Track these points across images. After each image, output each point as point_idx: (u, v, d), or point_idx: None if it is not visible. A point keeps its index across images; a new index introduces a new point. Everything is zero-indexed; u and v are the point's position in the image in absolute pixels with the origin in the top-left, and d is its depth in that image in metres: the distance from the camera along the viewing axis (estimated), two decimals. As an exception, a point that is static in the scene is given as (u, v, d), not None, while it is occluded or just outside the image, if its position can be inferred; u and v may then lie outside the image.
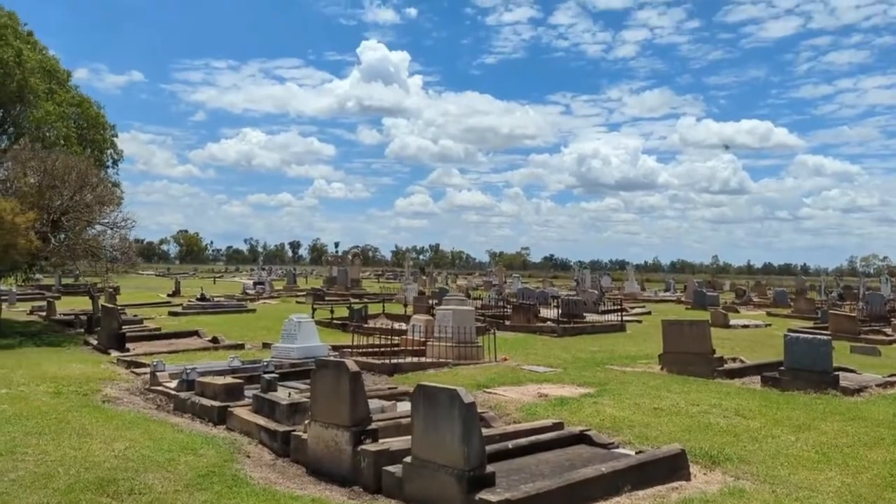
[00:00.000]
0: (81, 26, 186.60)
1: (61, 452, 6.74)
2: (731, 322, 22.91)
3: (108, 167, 22.09)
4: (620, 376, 11.97)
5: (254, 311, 26.61)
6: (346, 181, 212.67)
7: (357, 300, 31.65)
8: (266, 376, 8.31)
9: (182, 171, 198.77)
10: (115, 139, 22.69)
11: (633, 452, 7.12)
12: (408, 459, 5.89)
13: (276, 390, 8.27)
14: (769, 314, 29.41)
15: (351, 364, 6.71)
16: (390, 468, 6.09)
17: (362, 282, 49.73)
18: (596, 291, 29.65)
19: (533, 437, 7.15)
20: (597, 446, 7.31)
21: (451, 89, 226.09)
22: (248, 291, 37.80)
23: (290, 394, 8.12)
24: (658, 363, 13.28)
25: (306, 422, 7.31)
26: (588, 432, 7.56)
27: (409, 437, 7.48)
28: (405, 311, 23.08)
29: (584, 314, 22.37)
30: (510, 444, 6.94)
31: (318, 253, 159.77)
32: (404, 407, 9.11)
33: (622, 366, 13.48)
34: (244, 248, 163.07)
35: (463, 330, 14.02)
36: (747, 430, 8.09)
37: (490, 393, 10.66)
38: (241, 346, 15.93)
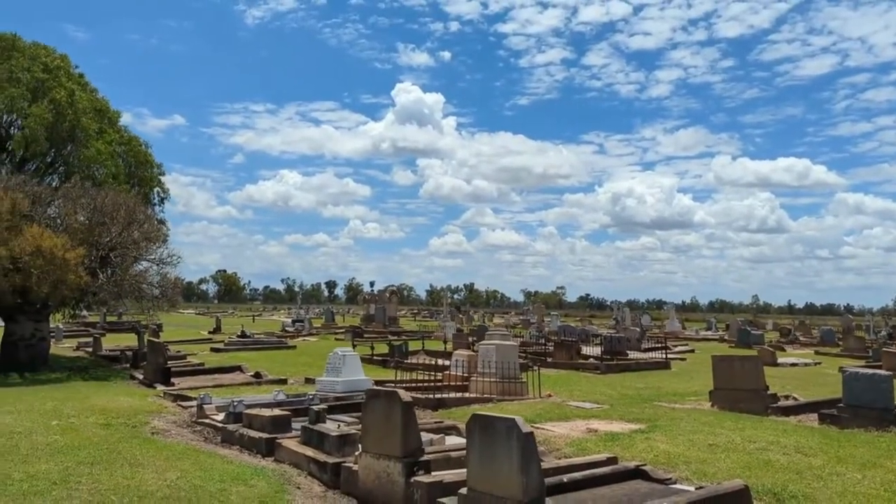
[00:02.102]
0: (126, 72, 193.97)
1: (114, 482, 6.75)
2: (779, 360, 22.22)
3: (154, 205, 22.68)
4: (670, 413, 11.64)
5: (294, 347, 26.74)
6: (381, 221, 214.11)
7: (395, 337, 31.61)
8: (314, 408, 8.27)
9: (221, 213, 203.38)
10: (161, 177, 23.33)
11: (692, 488, 6.87)
12: (463, 491, 5.75)
13: (324, 422, 8.21)
14: (817, 353, 28.48)
15: (403, 394, 6.64)
16: (444, 500, 5.95)
17: (399, 320, 49.79)
18: (638, 329, 29.12)
19: (587, 472, 6.94)
20: (654, 481, 7.06)
21: (484, 130, 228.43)
22: (287, 329, 38.05)
23: (339, 425, 8.06)
24: (708, 400, 12.93)
25: (357, 453, 7.23)
26: (644, 467, 7.32)
27: (461, 469, 7.34)
28: (445, 348, 22.93)
29: (627, 352, 21.93)
30: (565, 477, 6.74)
31: (353, 292, 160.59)
32: (452, 440, 8.97)
33: (670, 402, 13.14)
34: (281, 287, 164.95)
35: (506, 365, 13.84)
36: (810, 468, 7.75)
37: (538, 428, 10.43)
38: (283, 381, 15.96)
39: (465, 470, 7.25)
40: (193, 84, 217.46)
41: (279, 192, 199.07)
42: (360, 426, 9.41)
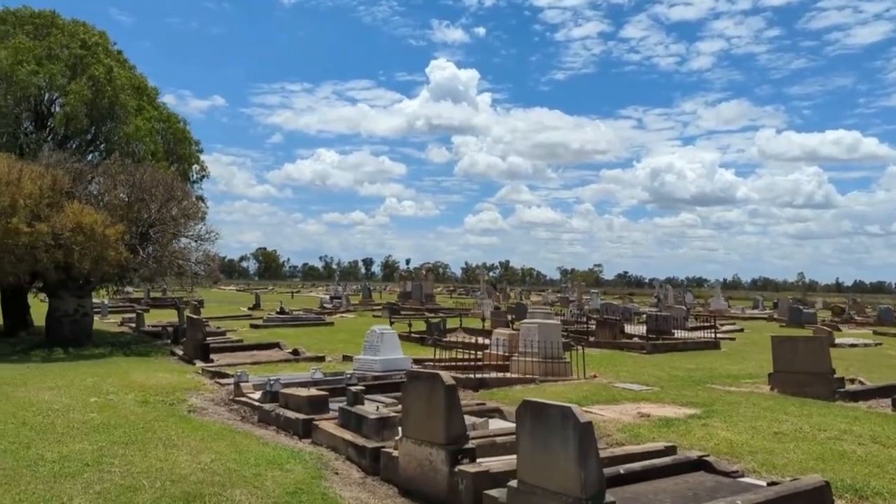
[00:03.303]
0: (168, 54, 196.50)
1: (147, 464, 6.50)
2: (837, 341, 21.21)
3: (193, 182, 22.60)
4: (726, 396, 11.02)
5: (332, 324, 26.64)
6: (417, 199, 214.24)
7: (432, 314, 31.33)
8: (352, 389, 7.91)
9: (261, 191, 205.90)
10: (199, 154, 23.24)
11: (763, 483, 6.31)
12: (513, 483, 5.31)
13: (362, 403, 7.85)
14: (875, 333, 27.24)
15: (446, 376, 6.21)
16: (492, 492, 5.52)
17: (435, 297, 49.53)
18: (683, 308, 28.25)
19: (646, 462, 6.43)
20: (718, 474, 6.52)
21: (519, 106, 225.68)
22: (325, 305, 38.12)
23: (377, 407, 7.70)
24: (766, 383, 12.26)
25: (397, 438, 6.85)
26: (706, 458, 6.77)
27: (508, 457, 6.91)
28: (483, 326, 22.53)
29: (673, 331, 21.19)
30: (621, 469, 6.25)
31: (389, 269, 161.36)
32: (496, 425, 8.55)
33: (725, 385, 12.49)
34: (319, 265, 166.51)
35: (549, 345, 13.33)
36: (891, 461, 7.10)
37: (586, 412, 9.92)
38: (321, 359, 15.75)
39: (512, 458, 6.82)
40: (232, 65, 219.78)
41: (317, 171, 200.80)
42: (399, 408, 9.05)
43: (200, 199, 21.73)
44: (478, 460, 6.23)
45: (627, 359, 16.46)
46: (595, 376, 13.34)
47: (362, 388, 8.04)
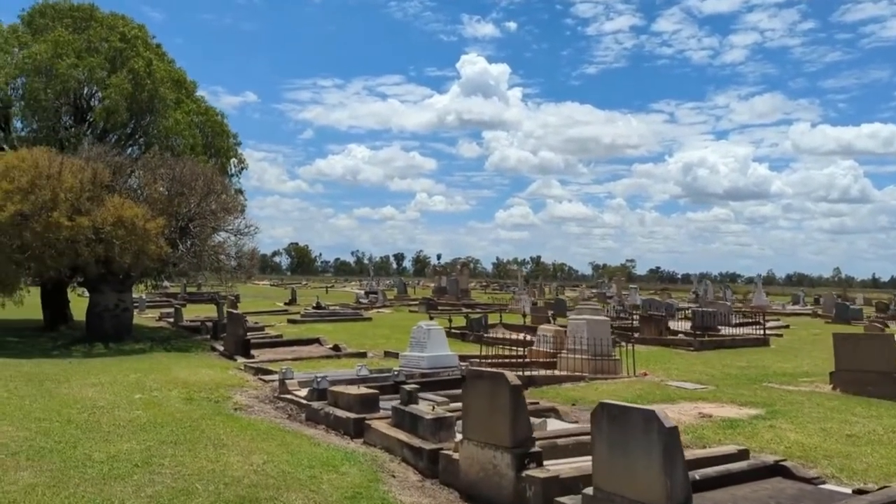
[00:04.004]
0: (201, 51, 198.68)
1: (198, 465, 6.28)
2: (891, 337, 20.33)
3: (231, 175, 22.56)
4: (786, 396, 10.51)
5: (369, 319, 26.47)
6: (447, 194, 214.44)
7: (469, 310, 31.01)
8: (406, 388, 7.62)
9: (292, 187, 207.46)
10: (237, 147, 23.19)
11: (847, 490, 5.87)
12: (588, 491, 4.95)
13: (416, 403, 7.55)
14: (927, 329, 26.16)
15: (511, 376, 5.87)
16: (564, 500, 5.17)
17: (470, 292, 49.18)
18: (727, 303, 27.51)
19: (721, 468, 6.02)
20: (798, 480, 6.09)
21: (550, 100, 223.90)
22: (360, 301, 38.03)
23: (433, 407, 7.38)
24: (826, 382, 11.71)
25: (456, 440, 6.54)
26: (784, 463, 6.34)
27: (573, 460, 6.56)
28: (524, 322, 22.12)
29: (718, 327, 20.57)
30: (696, 474, 5.84)
31: (420, 264, 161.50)
32: (554, 425, 8.18)
33: (782, 384, 11.95)
34: (351, 259, 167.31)
35: (598, 342, 12.91)
36: None
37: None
38: (363, 355, 15.52)
39: (579, 462, 6.46)
40: (264, 61, 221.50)
41: (348, 167, 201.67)
42: (451, 406, 8.74)
43: (239, 192, 21.70)
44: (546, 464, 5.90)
45: (675, 356, 15.95)
46: (645, 374, 12.90)
47: (416, 386, 7.75)
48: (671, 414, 9.31)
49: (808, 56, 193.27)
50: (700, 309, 21.23)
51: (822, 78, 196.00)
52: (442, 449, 6.58)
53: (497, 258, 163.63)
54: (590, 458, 6.74)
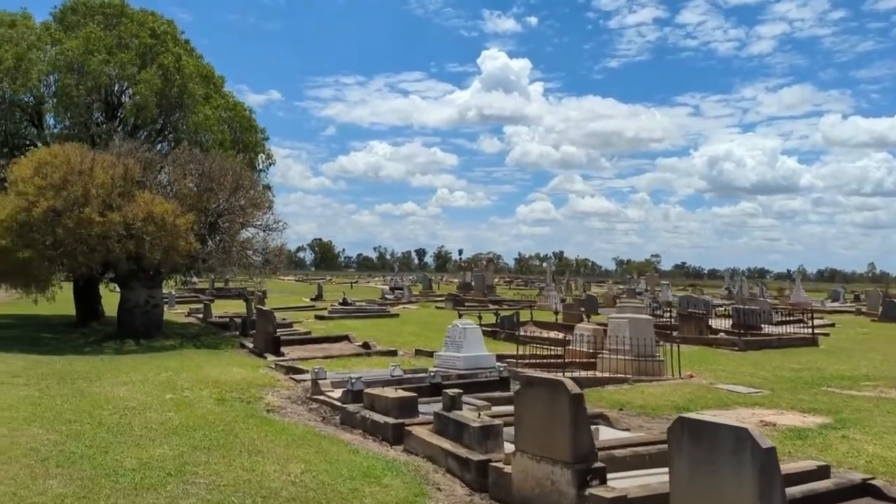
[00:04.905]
0: (226, 50, 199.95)
1: (233, 474, 5.92)
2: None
3: (260, 171, 22.34)
4: (850, 402, 9.88)
5: (397, 315, 26.11)
6: (468, 189, 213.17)
7: (496, 306, 30.50)
8: (448, 392, 7.18)
9: (315, 183, 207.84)
10: (265, 143, 22.97)
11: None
12: (664, 515, 4.48)
13: (460, 408, 7.12)
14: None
15: (570, 384, 5.40)
16: (635, 523, 4.70)
17: (495, 287, 48.64)
18: (767, 300, 26.66)
19: (805, 487, 5.49)
20: (891, 501, 5.54)
21: (572, 95, 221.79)
22: (386, 297, 37.73)
23: (479, 413, 6.94)
24: (892, 386, 11.03)
25: (505, 450, 6.10)
26: (872, 481, 5.79)
27: (633, 474, 6.09)
28: (556, 319, 21.60)
29: (760, 325, 19.85)
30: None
31: (442, 260, 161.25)
32: (607, 434, 7.69)
33: (842, 388, 11.27)
34: (373, 255, 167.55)
35: (641, 342, 12.36)
36: None
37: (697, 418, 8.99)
38: (393, 353, 15.15)
39: (642, 477, 6.00)
40: (288, 59, 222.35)
41: (369, 163, 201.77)
42: (495, 411, 8.29)
43: (267, 188, 21.46)
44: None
45: (720, 356, 15.32)
46: (692, 376, 12.32)
47: (459, 391, 7.31)
48: (729, 421, 8.78)
49: (839, 46, 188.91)
50: (741, 306, 20.49)
51: (853, 68, 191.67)
52: (491, 460, 6.14)
53: (519, 253, 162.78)
54: (653, 472, 6.29)
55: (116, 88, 19.99)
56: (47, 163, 15.53)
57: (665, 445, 6.86)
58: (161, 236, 15.34)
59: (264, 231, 18.57)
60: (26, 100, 19.40)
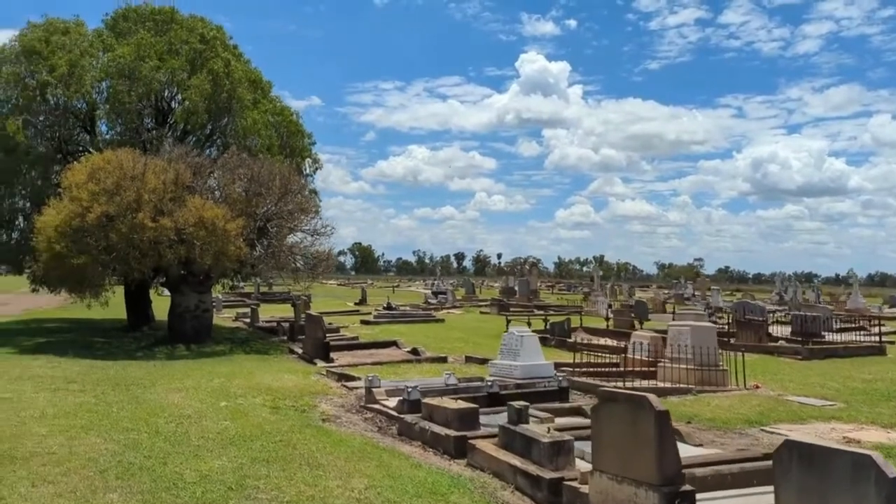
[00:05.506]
0: (268, 58, 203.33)
1: (295, 490, 5.70)
2: None
3: (306, 176, 22.34)
4: (937, 417, 9.25)
5: (442, 320, 25.85)
6: (507, 193, 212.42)
7: (542, 311, 29.97)
8: (515, 405, 6.87)
9: (355, 188, 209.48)
10: (312, 147, 22.97)
11: None
12: (767, 547, 4.09)
13: (527, 422, 6.80)
14: None
15: (655, 400, 5.04)
16: (733, 554, 4.32)
17: (538, 292, 48.07)
18: (827, 307, 25.65)
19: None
20: None
21: (611, 97, 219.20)
22: (429, 301, 37.53)
23: (549, 428, 6.61)
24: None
25: (577, 467, 5.76)
26: None
27: (717, 495, 5.70)
28: (606, 325, 21.06)
29: (822, 333, 18.99)
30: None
31: (481, 264, 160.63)
32: (682, 451, 7.26)
33: (924, 402, 10.61)
34: (412, 259, 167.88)
35: (704, 350, 11.84)
36: None
37: (772, 433, 8.51)
38: (443, 359, 14.90)
39: (728, 499, 5.61)
40: (328, 66, 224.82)
41: (408, 167, 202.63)
42: (558, 423, 7.95)
43: (314, 192, 21.44)
44: (688, 503, 5.04)
45: (783, 365, 14.66)
46: (757, 386, 11.77)
47: (525, 403, 6.98)
48: (806, 436, 8.26)
49: (889, 44, 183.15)
50: (802, 313, 19.66)
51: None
52: (564, 478, 5.81)
53: (559, 257, 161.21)
54: (738, 494, 5.87)
55: (167, 94, 20.18)
56: (100, 168, 15.71)
57: (748, 465, 6.46)
58: (211, 241, 15.35)
59: (312, 235, 18.52)
60: (79, 106, 19.70)
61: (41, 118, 19.49)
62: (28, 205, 20.40)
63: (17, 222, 20.98)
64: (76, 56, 18.70)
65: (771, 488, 5.76)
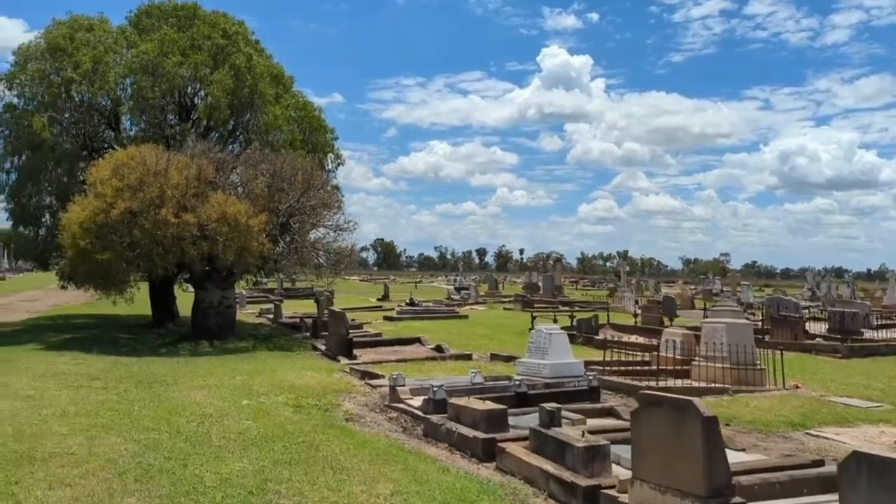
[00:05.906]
0: (290, 56, 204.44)
1: (319, 495, 5.46)
2: None
3: (329, 171, 22.17)
4: None
5: (465, 317, 25.55)
6: (529, 188, 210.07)
7: (567, 307, 29.52)
8: (546, 407, 6.55)
9: (377, 184, 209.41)
10: (334, 143, 22.79)
11: None
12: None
13: (559, 425, 6.48)
14: None
15: (701, 405, 4.70)
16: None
17: (563, 288, 47.54)
18: (866, 303, 24.91)
19: None
20: None
21: (634, 90, 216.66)
22: (452, 297, 37.25)
23: (583, 432, 6.29)
24: None
25: (621, 476, 5.43)
26: None
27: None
28: (635, 322, 20.62)
29: (860, 330, 18.38)
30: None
31: (503, 259, 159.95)
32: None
33: (975, 404, 10.08)
34: (434, 255, 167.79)
35: (740, 348, 11.41)
36: None
37: (817, 437, 8.10)
38: (468, 357, 14.61)
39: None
40: (349, 63, 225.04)
41: (430, 163, 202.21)
42: (590, 425, 7.63)
43: (337, 188, 21.26)
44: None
45: (822, 364, 14.14)
46: (797, 386, 11.31)
47: (558, 406, 6.66)
48: (854, 441, 7.84)
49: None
50: (840, 309, 19.04)
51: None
52: (601, 486, 5.49)
53: (582, 253, 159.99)
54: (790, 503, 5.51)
55: (189, 90, 20.12)
56: (124, 164, 15.65)
57: (798, 472, 6.07)
58: (234, 237, 15.22)
59: (334, 231, 18.32)
60: (104, 103, 19.71)
61: (66, 115, 19.51)
62: (54, 201, 20.48)
63: (43, 219, 21.08)
64: (100, 53, 18.69)
65: (825, 498, 5.42)
